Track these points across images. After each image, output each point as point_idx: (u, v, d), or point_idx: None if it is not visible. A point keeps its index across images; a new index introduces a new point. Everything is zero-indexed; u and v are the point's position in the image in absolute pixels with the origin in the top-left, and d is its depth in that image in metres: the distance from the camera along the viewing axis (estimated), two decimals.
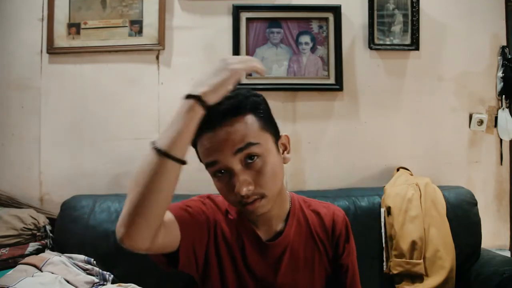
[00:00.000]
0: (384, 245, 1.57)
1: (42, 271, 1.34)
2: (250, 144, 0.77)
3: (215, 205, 0.92)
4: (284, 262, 0.88)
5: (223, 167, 0.78)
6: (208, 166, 0.80)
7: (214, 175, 0.80)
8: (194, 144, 0.82)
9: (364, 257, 1.55)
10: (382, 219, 1.59)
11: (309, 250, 0.91)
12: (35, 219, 1.62)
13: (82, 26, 1.85)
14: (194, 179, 1.84)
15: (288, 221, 0.91)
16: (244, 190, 0.76)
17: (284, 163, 0.86)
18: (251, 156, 0.77)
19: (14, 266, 1.38)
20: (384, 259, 1.57)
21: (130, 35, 1.85)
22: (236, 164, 0.77)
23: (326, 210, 0.96)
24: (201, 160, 0.83)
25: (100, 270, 1.45)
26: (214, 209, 0.91)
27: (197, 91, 0.70)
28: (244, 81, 1.83)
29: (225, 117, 0.76)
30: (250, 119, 0.79)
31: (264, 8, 1.85)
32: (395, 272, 1.51)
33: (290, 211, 0.92)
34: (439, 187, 1.66)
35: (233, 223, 0.89)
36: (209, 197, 0.95)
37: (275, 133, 0.85)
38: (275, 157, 0.82)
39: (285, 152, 0.87)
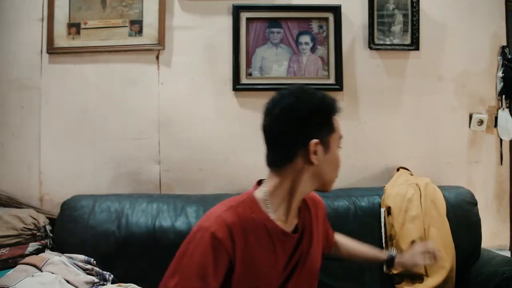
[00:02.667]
0: (384, 245, 1.57)
1: (42, 271, 1.34)
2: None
3: (237, 223, 0.91)
4: (306, 243, 1.00)
5: None
6: (340, 137, 1.04)
7: (338, 146, 1.03)
8: (331, 113, 0.97)
9: None
10: (382, 219, 1.59)
11: (315, 228, 1.04)
12: (35, 219, 1.62)
13: (82, 26, 1.85)
14: (195, 179, 1.85)
15: (301, 210, 1.03)
16: None
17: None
18: None
19: (14, 266, 1.38)
20: None
21: (130, 35, 1.85)
22: None
23: (315, 196, 1.12)
24: (330, 130, 0.97)
25: (100, 270, 1.45)
26: (233, 233, 0.89)
27: None
28: (244, 81, 1.83)
29: None
30: None
31: (264, 8, 1.85)
32: (395, 272, 1.52)
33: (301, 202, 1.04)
34: (439, 187, 1.66)
35: (263, 228, 0.93)
36: (215, 234, 0.87)
37: None
38: None
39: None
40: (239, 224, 0.89)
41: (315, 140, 0.91)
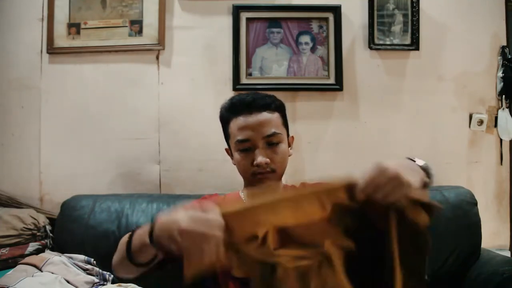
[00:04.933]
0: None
1: (42, 271, 1.34)
2: (275, 133, 1.07)
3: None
4: None
5: (251, 146, 1.06)
6: (239, 142, 1.07)
7: (239, 150, 1.08)
8: (227, 120, 1.12)
9: None
10: None
11: None
12: (35, 219, 1.62)
13: (82, 26, 1.85)
14: (195, 179, 1.85)
15: None
16: (262, 160, 1.04)
17: (288, 156, 1.14)
18: (272, 142, 1.07)
19: (14, 266, 1.38)
20: None
21: (130, 35, 1.85)
22: (262, 144, 1.06)
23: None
24: (228, 137, 1.13)
25: (100, 270, 1.45)
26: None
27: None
28: (244, 81, 1.83)
29: (262, 107, 1.07)
30: (277, 115, 1.10)
31: (264, 8, 1.85)
32: None
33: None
34: (439, 187, 1.66)
35: None
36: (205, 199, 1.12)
37: (288, 131, 1.16)
38: (286, 147, 1.12)
39: (290, 148, 1.16)
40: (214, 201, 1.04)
41: (225, 147, 1.18)
